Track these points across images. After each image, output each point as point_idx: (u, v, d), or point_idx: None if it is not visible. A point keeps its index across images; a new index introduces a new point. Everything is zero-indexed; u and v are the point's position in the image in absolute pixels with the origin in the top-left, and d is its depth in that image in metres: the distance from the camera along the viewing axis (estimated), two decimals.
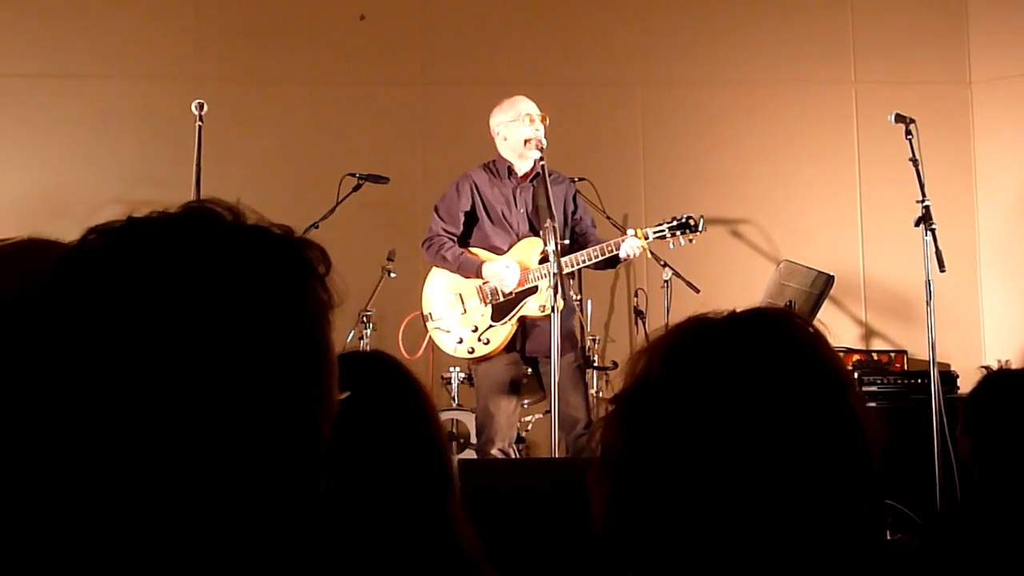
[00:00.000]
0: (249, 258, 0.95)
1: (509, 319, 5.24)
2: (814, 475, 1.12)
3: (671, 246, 5.27)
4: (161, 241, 0.93)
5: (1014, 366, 6.47)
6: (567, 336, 5.23)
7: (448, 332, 5.35)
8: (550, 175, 5.20)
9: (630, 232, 5.07)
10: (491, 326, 5.26)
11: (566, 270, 5.03)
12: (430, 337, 5.45)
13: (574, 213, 5.39)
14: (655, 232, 5.12)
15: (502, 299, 5.25)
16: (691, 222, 5.11)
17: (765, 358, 1.15)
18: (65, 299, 0.92)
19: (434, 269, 5.45)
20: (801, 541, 1.12)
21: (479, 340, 5.27)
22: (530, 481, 4.12)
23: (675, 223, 5.13)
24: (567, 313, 5.26)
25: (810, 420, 1.13)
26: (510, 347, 5.28)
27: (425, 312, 5.46)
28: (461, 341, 5.31)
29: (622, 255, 5.08)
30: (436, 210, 5.43)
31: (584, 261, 5.12)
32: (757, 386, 1.13)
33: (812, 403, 1.13)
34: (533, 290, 5.21)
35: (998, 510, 2.42)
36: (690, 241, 5.18)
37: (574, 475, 3.88)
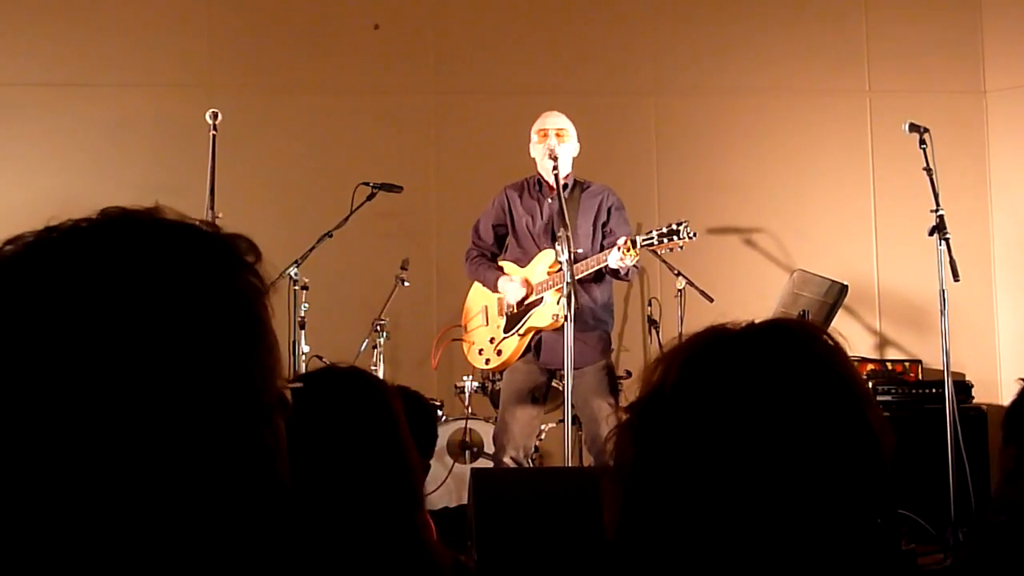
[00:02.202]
0: (179, 251, 0.97)
1: (516, 331, 5.31)
2: (828, 488, 1.12)
3: (659, 253, 5.23)
4: (88, 244, 0.95)
5: None
6: (602, 343, 5.27)
7: (473, 343, 5.55)
8: (587, 186, 5.35)
9: (619, 242, 5.04)
10: (504, 337, 5.37)
11: (558, 284, 5.08)
12: (444, 347, 5.58)
13: (604, 225, 5.38)
14: (643, 240, 5.08)
15: (515, 311, 5.32)
16: (676, 228, 5.05)
17: (783, 370, 1.14)
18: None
19: (475, 283, 5.63)
20: (814, 554, 1.11)
21: (494, 351, 5.41)
22: (540, 490, 4.12)
23: (664, 230, 5.08)
24: (595, 323, 5.26)
25: (826, 433, 1.12)
26: (527, 358, 5.32)
27: (463, 323, 5.69)
28: (481, 351, 5.49)
29: (612, 265, 5.05)
30: (476, 224, 5.60)
31: (581, 271, 5.09)
32: (774, 398, 1.12)
33: (829, 416, 1.13)
34: (540, 301, 5.26)
35: None
36: (680, 248, 5.11)
37: (585, 485, 3.88)
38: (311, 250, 5.90)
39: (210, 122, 5.38)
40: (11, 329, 0.91)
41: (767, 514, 1.10)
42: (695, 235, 5.07)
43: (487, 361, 5.45)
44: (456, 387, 6.39)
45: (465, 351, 5.61)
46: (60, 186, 6.99)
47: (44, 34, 7.24)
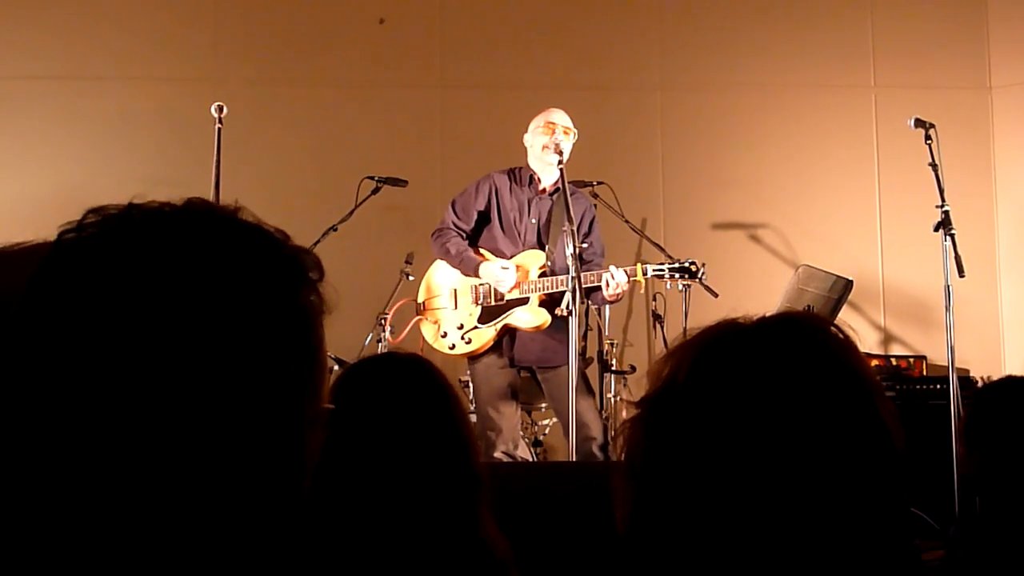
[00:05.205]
0: (246, 254, 0.96)
1: (493, 324, 5.29)
2: (842, 482, 1.11)
3: (667, 286, 5.28)
4: (161, 231, 0.94)
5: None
6: (566, 344, 5.25)
7: (435, 324, 5.46)
8: (572, 194, 5.25)
9: (627, 269, 5.06)
10: (476, 327, 5.34)
11: (550, 289, 5.12)
12: (418, 329, 5.55)
13: (587, 236, 5.38)
14: (655, 270, 5.12)
15: (493, 303, 5.29)
16: (692, 268, 5.10)
17: (795, 363, 1.14)
18: (62, 286, 0.91)
19: (437, 260, 5.53)
20: (827, 549, 1.11)
21: (461, 338, 5.35)
22: (547, 485, 4.12)
23: (676, 265, 5.11)
24: (563, 323, 5.25)
25: (839, 427, 1.12)
26: (498, 353, 5.32)
27: (419, 300, 5.57)
28: (445, 335, 5.41)
29: (601, 283, 5.06)
30: (452, 203, 5.50)
31: (586, 282, 5.08)
32: (787, 392, 1.12)
33: (841, 410, 1.13)
34: (524, 301, 5.24)
35: (1009, 523, 2.42)
36: (687, 286, 5.18)
37: (590, 479, 3.88)
38: (316, 244, 5.89)
39: (215, 116, 5.37)
40: (85, 304, 0.90)
41: (782, 507, 1.10)
42: (705, 277, 5.14)
43: (452, 347, 5.37)
44: (461, 381, 6.38)
45: (426, 333, 5.49)
46: (65, 179, 6.99)
47: (49, 28, 7.25)
